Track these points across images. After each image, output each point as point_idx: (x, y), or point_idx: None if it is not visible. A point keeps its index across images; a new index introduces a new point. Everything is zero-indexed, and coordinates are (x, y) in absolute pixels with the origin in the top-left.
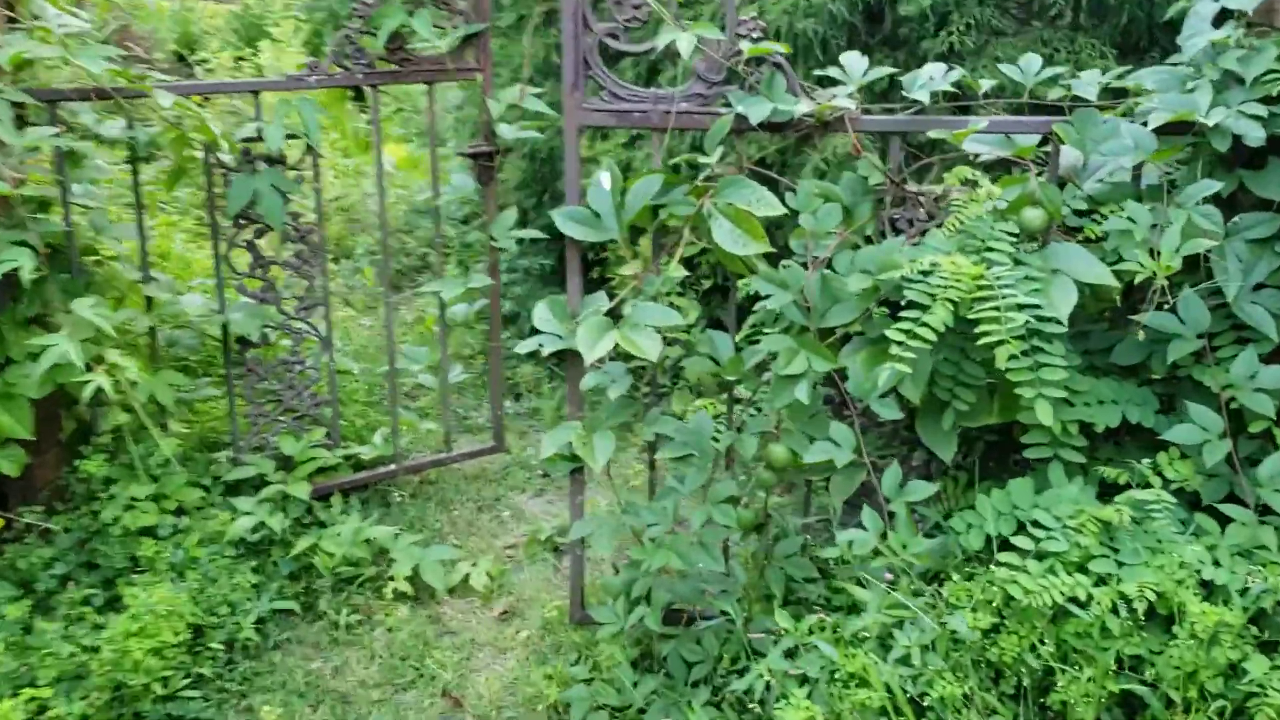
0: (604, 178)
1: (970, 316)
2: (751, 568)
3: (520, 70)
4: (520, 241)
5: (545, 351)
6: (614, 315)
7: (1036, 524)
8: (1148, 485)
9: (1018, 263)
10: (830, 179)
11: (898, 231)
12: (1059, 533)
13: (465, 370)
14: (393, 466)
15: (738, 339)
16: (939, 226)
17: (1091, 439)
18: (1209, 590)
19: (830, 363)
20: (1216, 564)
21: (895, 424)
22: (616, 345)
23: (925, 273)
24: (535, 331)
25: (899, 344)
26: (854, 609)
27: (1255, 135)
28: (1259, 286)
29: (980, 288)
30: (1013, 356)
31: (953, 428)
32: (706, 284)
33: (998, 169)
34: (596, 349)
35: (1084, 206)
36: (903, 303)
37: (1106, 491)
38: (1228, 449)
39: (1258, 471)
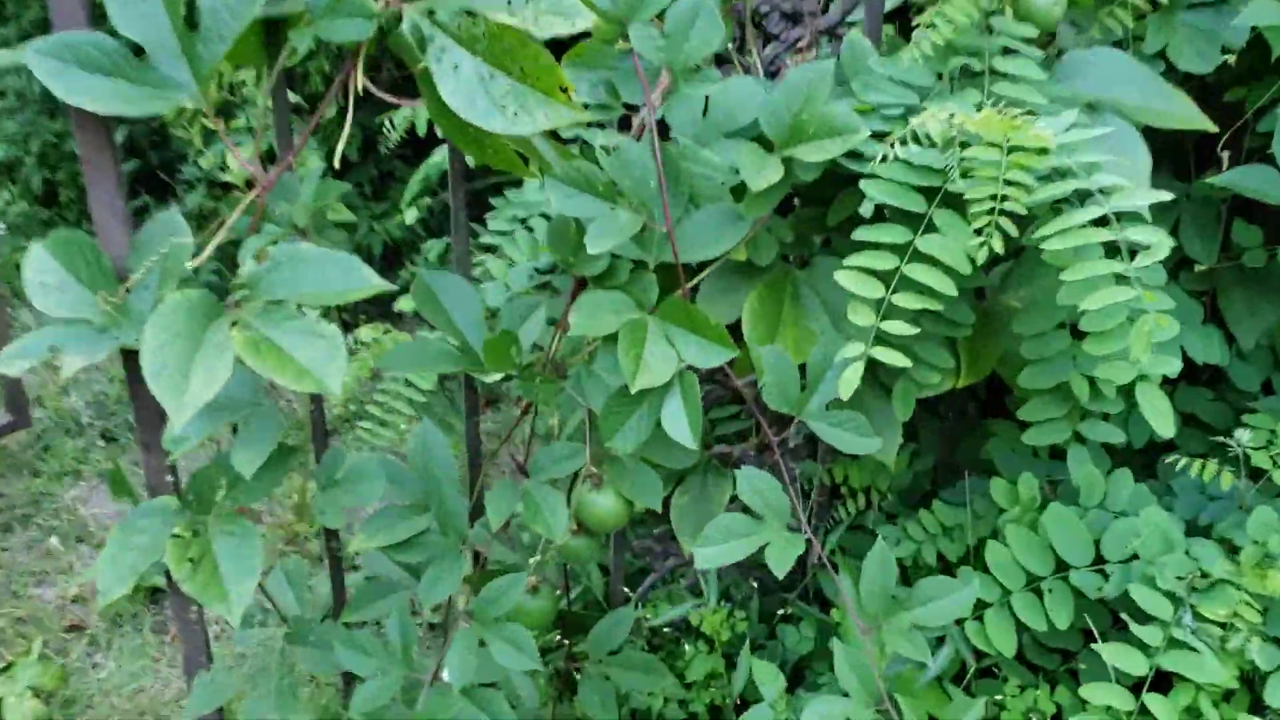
0: None
1: (1039, 244)
2: (547, 684)
3: None
4: None
5: (68, 369)
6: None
7: (1137, 611)
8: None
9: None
10: None
11: (769, 41)
12: (1186, 633)
13: None
14: None
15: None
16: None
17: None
18: None
19: (727, 349)
20: None
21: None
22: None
23: (923, 142)
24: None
25: (875, 303)
26: None
27: None
28: None
29: (1041, 176)
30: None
31: (905, 413)
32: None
33: None
34: (194, 386)
35: None
36: (861, 211)
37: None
38: None
39: None
